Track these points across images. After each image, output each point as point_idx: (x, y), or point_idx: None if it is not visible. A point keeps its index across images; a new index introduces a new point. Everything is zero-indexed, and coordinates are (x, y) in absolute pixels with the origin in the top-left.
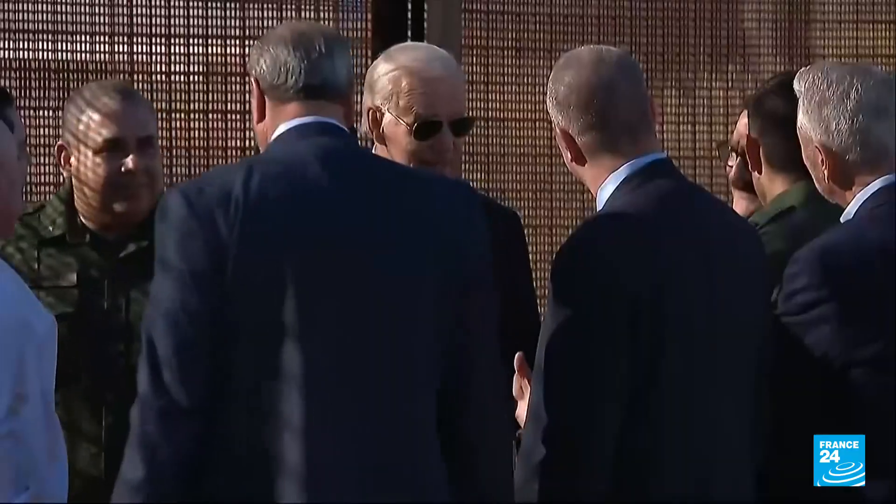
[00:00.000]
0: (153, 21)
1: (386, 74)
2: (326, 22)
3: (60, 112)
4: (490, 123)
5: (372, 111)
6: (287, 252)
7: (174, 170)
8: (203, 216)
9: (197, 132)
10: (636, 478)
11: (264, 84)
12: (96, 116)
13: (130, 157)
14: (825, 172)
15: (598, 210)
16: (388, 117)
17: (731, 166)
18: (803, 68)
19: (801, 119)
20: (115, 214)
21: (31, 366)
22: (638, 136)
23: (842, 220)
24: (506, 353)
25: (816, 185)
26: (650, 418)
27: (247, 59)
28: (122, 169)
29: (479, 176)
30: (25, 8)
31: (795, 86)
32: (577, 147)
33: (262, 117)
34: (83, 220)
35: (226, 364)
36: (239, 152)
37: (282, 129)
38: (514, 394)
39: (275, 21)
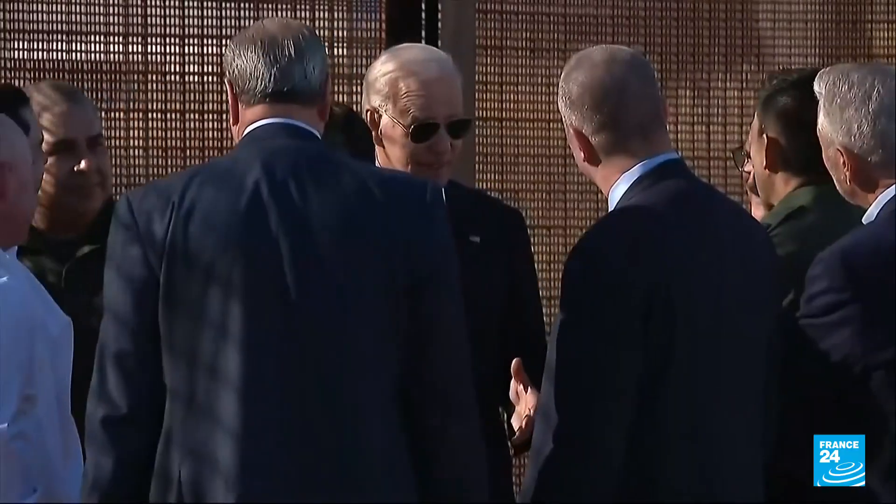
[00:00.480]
0: (167, 21)
1: (384, 76)
2: (340, 22)
3: None
4: (504, 124)
5: (370, 112)
6: (217, 256)
7: None
8: (142, 221)
9: (211, 132)
10: (645, 476)
11: (236, 87)
12: (44, 119)
13: (83, 157)
14: (847, 174)
15: (609, 210)
16: (385, 119)
17: (748, 172)
18: (824, 69)
19: (822, 121)
20: (69, 215)
21: (43, 367)
22: (650, 135)
23: (864, 221)
24: (507, 351)
25: (837, 187)
26: (660, 417)
27: None
28: (75, 169)
29: (492, 177)
30: (40, 9)
31: (815, 87)
32: (591, 147)
33: (236, 120)
34: (35, 224)
35: (166, 367)
36: None
37: (245, 131)
38: (510, 398)
39: None
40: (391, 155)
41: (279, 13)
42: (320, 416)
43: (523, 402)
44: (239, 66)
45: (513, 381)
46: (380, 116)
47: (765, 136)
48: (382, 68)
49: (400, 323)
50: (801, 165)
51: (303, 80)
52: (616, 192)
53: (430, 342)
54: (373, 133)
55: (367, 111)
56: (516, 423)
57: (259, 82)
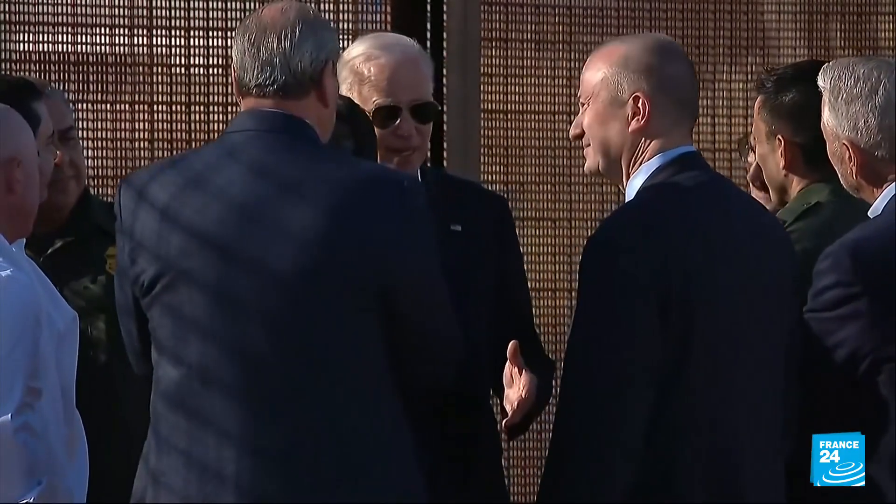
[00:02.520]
0: (172, 14)
1: (348, 62)
2: (346, 15)
3: (79, 105)
4: (509, 116)
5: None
6: (181, 256)
7: None
8: (122, 210)
9: (216, 125)
10: (664, 471)
11: (236, 76)
12: None
13: (56, 150)
14: (853, 169)
15: (627, 200)
16: None
17: (751, 163)
18: (828, 63)
19: (827, 115)
20: (43, 209)
21: (48, 360)
22: (682, 126)
23: (869, 214)
24: (498, 340)
25: (842, 181)
26: (678, 411)
27: None
28: None
29: (497, 169)
30: (45, 0)
31: (819, 81)
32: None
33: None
34: None
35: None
36: None
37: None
38: (503, 381)
39: None
40: None
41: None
42: (281, 422)
43: (516, 385)
44: (234, 57)
45: (507, 364)
46: None
47: (778, 138)
48: (347, 55)
49: (377, 324)
50: (817, 161)
51: (286, 73)
52: (634, 182)
53: (411, 343)
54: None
55: None
56: (508, 406)
57: (245, 75)
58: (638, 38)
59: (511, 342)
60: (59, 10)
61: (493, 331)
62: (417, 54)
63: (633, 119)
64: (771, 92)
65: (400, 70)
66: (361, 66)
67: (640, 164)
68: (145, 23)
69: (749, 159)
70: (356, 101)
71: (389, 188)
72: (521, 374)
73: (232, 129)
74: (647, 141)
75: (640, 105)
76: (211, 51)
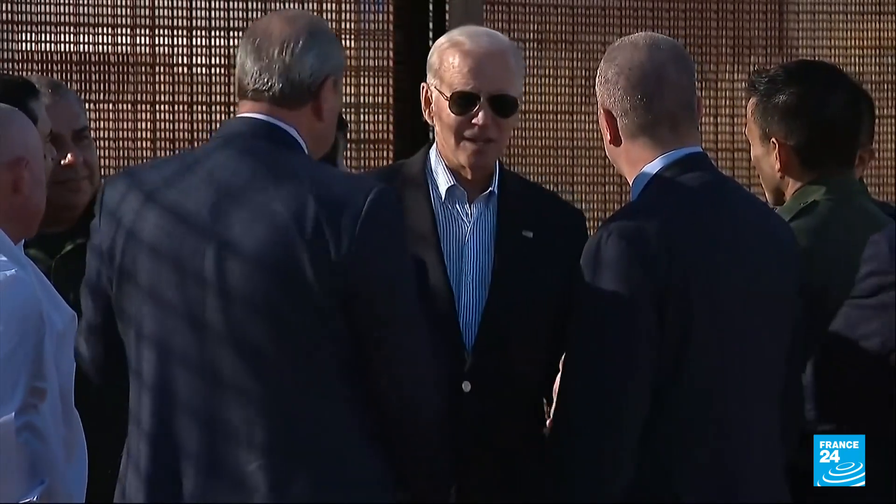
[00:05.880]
0: (175, 13)
1: (435, 51)
2: (348, 14)
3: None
4: None
5: (425, 88)
6: (145, 264)
7: None
8: (104, 215)
9: (218, 125)
10: (663, 468)
11: (237, 78)
12: None
13: (68, 150)
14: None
15: (631, 199)
16: (435, 94)
17: None
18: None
19: None
20: (57, 209)
21: (49, 361)
22: (679, 127)
23: None
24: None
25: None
26: (675, 411)
27: None
28: (61, 163)
29: None
30: (48, 0)
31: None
32: (617, 128)
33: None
34: None
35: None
36: None
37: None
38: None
39: None
40: (440, 131)
41: (287, 5)
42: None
43: None
44: (238, 60)
45: (559, 376)
46: (431, 92)
47: (772, 141)
48: (437, 44)
49: (333, 338)
50: (812, 163)
51: (283, 81)
52: (638, 182)
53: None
54: (426, 110)
55: (422, 87)
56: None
57: (245, 77)
58: (618, 48)
59: (565, 354)
60: (62, 10)
61: (553, 344)
62: (506, 48)
63: (605, 133)
64: (763, 94)
65: (483, 59)
66: (446, 52)
67: (643, 163)
68: (148, 22)
69: None
70: (437, 88)
71: (355, 201)
72: None
73: (217, 135)
74: (625, 150)
75: (603, 120)
76: (213, 50)
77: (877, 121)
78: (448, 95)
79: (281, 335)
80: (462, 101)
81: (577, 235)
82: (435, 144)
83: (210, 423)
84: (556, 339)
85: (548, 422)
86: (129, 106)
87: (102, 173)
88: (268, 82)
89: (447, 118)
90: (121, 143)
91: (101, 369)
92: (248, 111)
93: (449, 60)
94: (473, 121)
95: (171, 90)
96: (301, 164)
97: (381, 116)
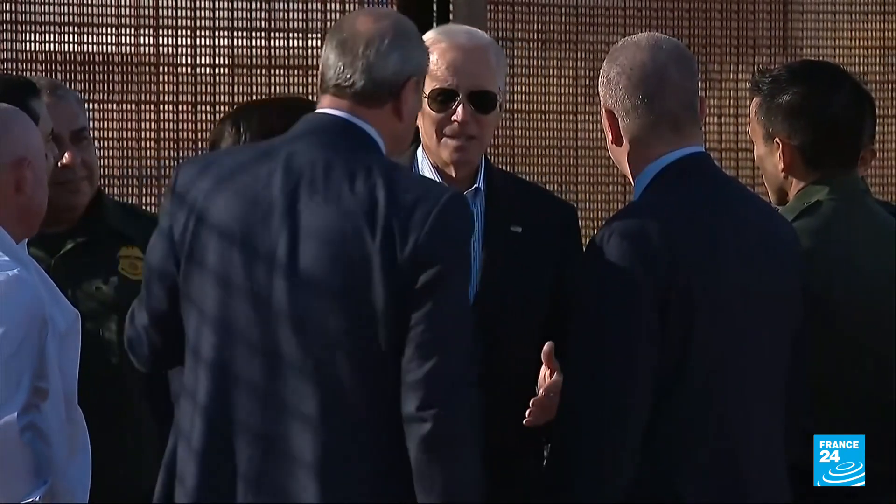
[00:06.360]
0: (178, 13)
1: None
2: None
3: (86, 105)
4: (515, 115)
5: None
6: (219, 249)
7: None
8: (175, 201)
9: None
10: (664, 468)
11: (320, 72)
12: None
13: (67, 151)
14: None
15: (634, 199)
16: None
17: None
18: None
19: None
20: (56, 209)
21: (51, 361)
22: (682, 128)
23: None
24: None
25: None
26: (679, 410)
27: (271, 51)
28: (60, 164)
29: (504, 168)
30: (52, 0)
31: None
32: (618, 128)
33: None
34: None
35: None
36: None
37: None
38: (538, 382)
39: (300, 13)
40: (423, 129)
41: (290, 4)
42: (285, 420)
43: (543, 387)
44: (322, 54)
45: (542, 367)
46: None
47: (776, 141)
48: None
49: (390, 332)
50: (816, 162)
51: (367, 79)
52: (641, 181)
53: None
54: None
55: None
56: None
57: (329, 72)
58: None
59: (546, 343)
60: (66, 10)
61: (544, 337)
62: (486, 45)
63: (607, 133)
64: (766, 94)
65: (462, 55)
66: (429, 51)
67: (645, 163)
68: (151, 22)
69: None
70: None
71: (428, 202)
72: (551, 375)
73: (295, 128)
74: (627, 150)
75: (605, 120)
76: (217, 50)
77: (880, 120)
78: (427, 93)
79: (346, 320)
80: (441, 98)
81: (567, 229)
82: (422, 143)
83: (267, 401)
84: (547, 334)
85: (527, 412)
86: (133, 106)
87: (106, 174)
88: (350, 78)
89: (428, 115)
90: (125, 143)
91: (160, 358)
92: (327, 106)
93: (431, 59)
94: (453, 118)
95: (174, 90)
96: (377, 163)
97: None
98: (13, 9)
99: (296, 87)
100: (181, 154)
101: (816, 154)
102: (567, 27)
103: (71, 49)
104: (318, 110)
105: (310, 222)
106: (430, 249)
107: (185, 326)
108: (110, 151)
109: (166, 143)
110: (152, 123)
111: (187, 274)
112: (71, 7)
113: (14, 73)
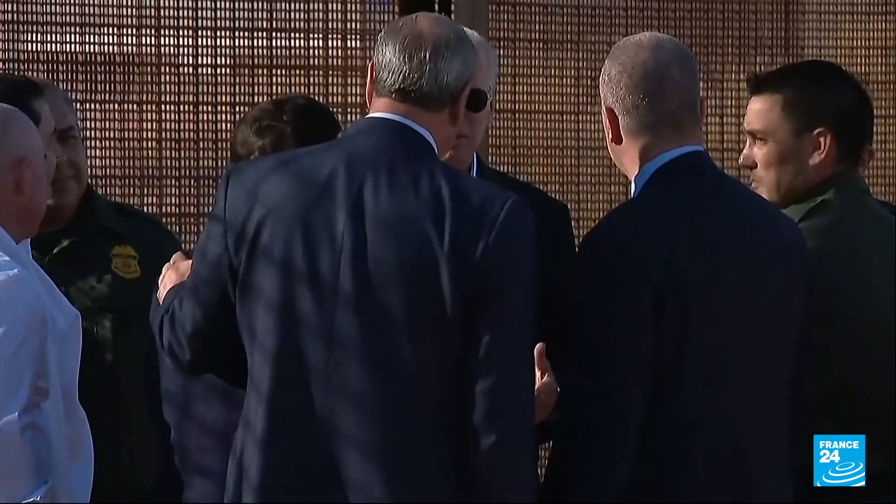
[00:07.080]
0: (180, 13)
1: None
2: (353, 14)
3: (87, 105)
4: (517, 116)
5: None
6: (282, 246)
7: (201, 163)
8: (230, 204)
9: (224, 125)
10: (661, 466)
11: (374, 74)
12: None
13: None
14: None
15: (632, 197)
16: None
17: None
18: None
19: None
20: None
21: (51, 360)
22: (682, 127)
23: None
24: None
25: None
26: (675, 408)
27: (273, 51)
28: None
29: (505, 168)
30: (53, 0)
31: None
32: (618, 126)
33: (370, 104)
34: None
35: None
36: None
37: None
38: None
39: (302, 13)
40: None
41: (292, 4)
42: (344, 411)
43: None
44: (379, 55)
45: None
46: None
47: (815, 132)
48: None
49: (450, 335)
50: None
51: (431, 84)
52: (639, 180)
53: (481, 361)
54: None
55: None
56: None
57: (389, 76)
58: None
59: (538, 344)
60: (67, 10)
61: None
62: (476, 44)
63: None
64: (799, 88)
65: None
66: None
67: (644, 162)
68: (153, 22)
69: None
70: None
71: (492, 206)
72: (542, 377)
73: (351, 128)
74: (627, 149)
75: (606, 119)
76: (219, 50)
77: (880, 120)
78: None
79: (409, 306)
80: None
81: (559, 227)
82: None
83: (329, 385)
84: (542, 335)
85: None
86: (135, 106)
87: (108, 174)
88: (416, 83)
89: None
90: (126, 143)
91: (204, 363)
92: (384, 110)
93: None
94: None
95: (176, 90)
96: (438, 167)
97: None
98: (14, 9)
99: (297, 87)
100: (183, 154)
101: (852, 147)
102: (569, 27)
103: (72, 49)
104: (374, 114)
105: (376, 215)
106: (498, 254)
107: (248, 319)
108: (112, 152)
109: (168, 143)
110: (154, 124)
111: (251, 265)
112: (72, 7)
113: (15, 73)
